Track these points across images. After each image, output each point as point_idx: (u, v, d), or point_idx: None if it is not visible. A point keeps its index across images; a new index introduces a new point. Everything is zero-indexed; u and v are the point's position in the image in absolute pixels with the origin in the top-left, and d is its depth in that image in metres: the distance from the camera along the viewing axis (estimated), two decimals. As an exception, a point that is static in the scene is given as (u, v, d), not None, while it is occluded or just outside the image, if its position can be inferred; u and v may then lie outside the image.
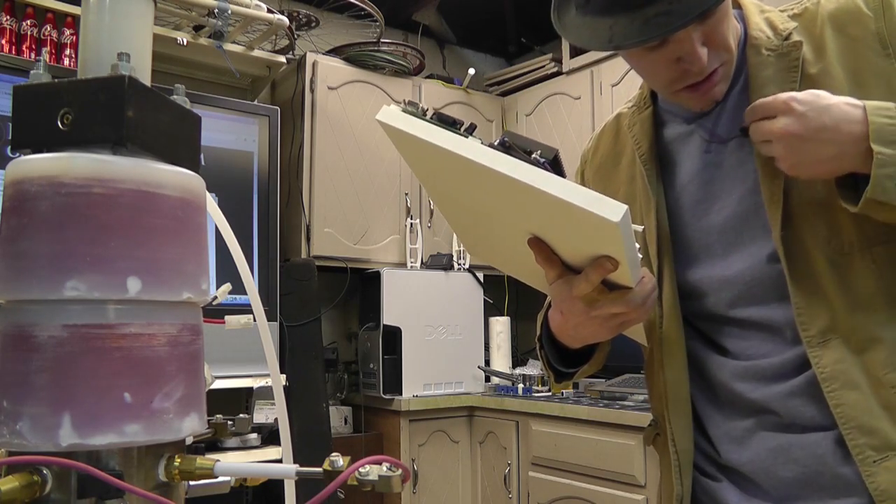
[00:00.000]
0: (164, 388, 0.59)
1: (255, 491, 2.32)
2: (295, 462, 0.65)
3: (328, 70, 3.11)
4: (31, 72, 0.62)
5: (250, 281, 0.78)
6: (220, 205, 0.77)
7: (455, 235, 3.30)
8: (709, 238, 0.97)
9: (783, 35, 0.92)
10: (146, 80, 0.65)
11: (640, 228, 0.95)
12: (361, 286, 3.25)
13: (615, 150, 1.10)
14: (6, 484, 0.52)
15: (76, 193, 0.57)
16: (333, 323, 3.35)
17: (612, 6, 0.83)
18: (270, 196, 2.69)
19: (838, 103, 0.80)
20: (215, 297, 0.76)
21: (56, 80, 0.60)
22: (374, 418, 3.08)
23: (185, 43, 2.57)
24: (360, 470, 0.57)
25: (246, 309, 0.80)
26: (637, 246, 0.77)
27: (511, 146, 0.84)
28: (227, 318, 0.89)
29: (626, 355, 1.15)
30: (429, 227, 3.32)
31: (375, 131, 3.12)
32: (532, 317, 1.23)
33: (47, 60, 1.70)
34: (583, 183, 1.15)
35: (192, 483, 0.64)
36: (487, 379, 3.21)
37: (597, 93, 3.15)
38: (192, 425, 0.61)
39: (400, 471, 0.58)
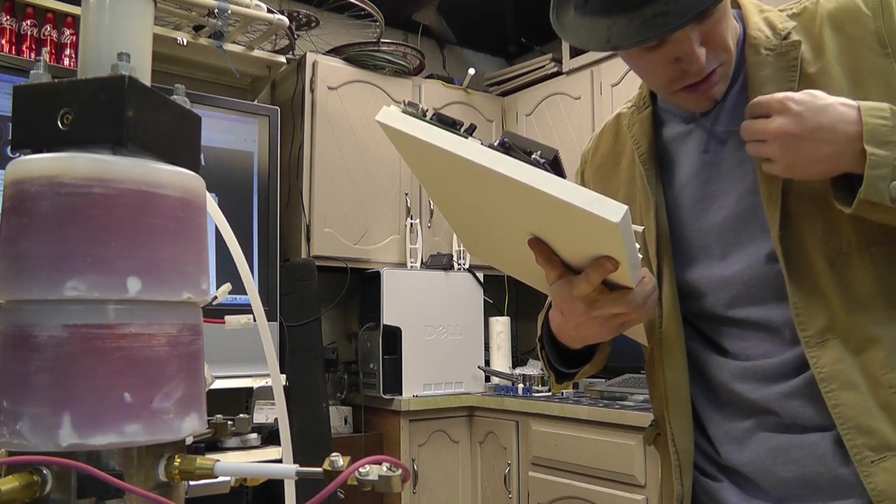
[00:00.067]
0: (164, 388, 0.59)
1: (255, 491, 2.33)
2: (295, 462, 0.65)
3: (328, 70, 3.11)
4: (31, 72, 0.62)
5: (250, 281, 0.78)
6: (220, 205, 0.77)
7: (455, 235, 3.30)
8: (707, 238, 0.96)
9: (782, 34, 0.92)
10: (146, 80, 0.65)
11: (640, 229, 0.95)
12: (361, 286, 3.25)
13: (615, 150, 1.10)
14: (6, 484, 0.52)
15: (76, 193, 0.57)
16: (333, 323, 3.35)
17: (610, 7, 0.83)
18: (270, 196, 2.69)
19: (834, 103, 0.80)
20: (215, 297, 0.76)
21: (56, 80, 0.60)
22: (374, 418, 3.08)
23: (185, 43, 2.57)
24: (360, 470, 0.57)
25: (246, 309, 0.81)
26: (637, 246, 0.77)
27: (511, 147, 0.84)
28: (227, 318, 0.89)
29: (626, 355, 1.15)
30: (429, 227, 3.32)
31: (375, 131, 3.12)
32: (532, 317, 1.23)
33: (47, 60, 1.70)
34: (583, 183, 1.15)
35: (192, 483, 0.64)
36: (487, 379, 3.21)
37: (597, 93, 3.15)
38: (192, 425, 0.61)
39: (400, 471, 0.58)
